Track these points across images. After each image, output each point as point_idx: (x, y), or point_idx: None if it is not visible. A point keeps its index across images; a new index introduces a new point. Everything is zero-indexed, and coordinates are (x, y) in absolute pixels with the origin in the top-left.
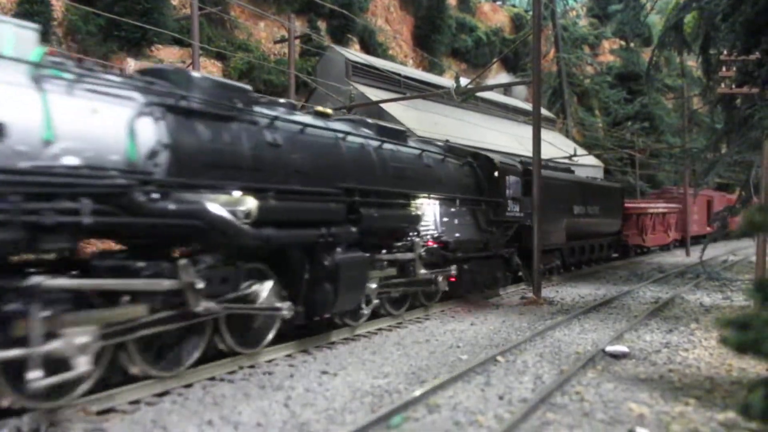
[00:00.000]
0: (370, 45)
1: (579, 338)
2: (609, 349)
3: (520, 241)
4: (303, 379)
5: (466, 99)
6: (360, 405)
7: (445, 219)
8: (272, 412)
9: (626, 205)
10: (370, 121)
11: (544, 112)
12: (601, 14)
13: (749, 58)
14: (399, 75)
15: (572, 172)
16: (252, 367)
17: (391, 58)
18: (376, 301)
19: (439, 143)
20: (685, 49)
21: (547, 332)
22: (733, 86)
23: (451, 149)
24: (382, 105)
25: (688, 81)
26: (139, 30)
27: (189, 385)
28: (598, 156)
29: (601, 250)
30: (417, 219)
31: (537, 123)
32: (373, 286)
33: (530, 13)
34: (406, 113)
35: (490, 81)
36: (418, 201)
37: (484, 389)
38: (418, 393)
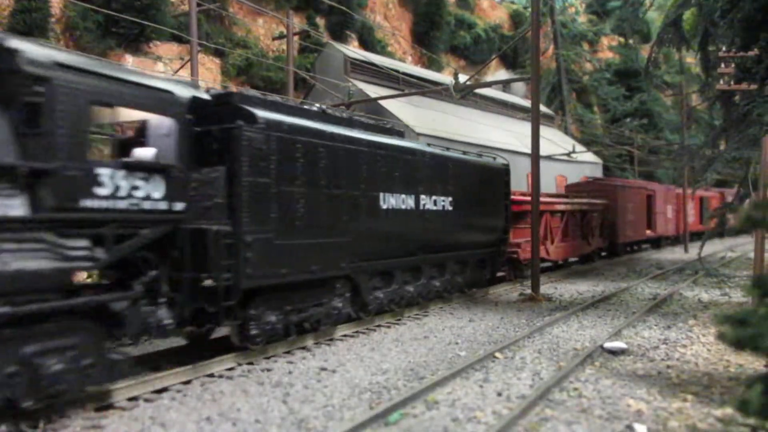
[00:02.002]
0: (368, 41)
1: (577, 335)
2: (607, 345)
3: (180, 267)
4: (302, 375)
5: (464, 96)
6: (358, 401)
7: None
8: (271, 408)
9: (516, 197)
10: None
11: (542, 108)
12: (599, 11)
13: (748, 55)
14: (398, 72)
15: (402, 135)
16: (250, 363)
17: (390, 55)
18: None
19: None
20: (683, 46)
21: (546, 329)
22: (732, 83)
23: None
24: (381, 101)
25: (686, 78)
26: (138, 26)
27: (187, 382)
28: (596, 153)
29: (461, 273)
30: None
31: (536, 120)
32: None
33: (529, 9)
34: (404, 110)
35: (489, 78)
36: None
37: (483, 386)
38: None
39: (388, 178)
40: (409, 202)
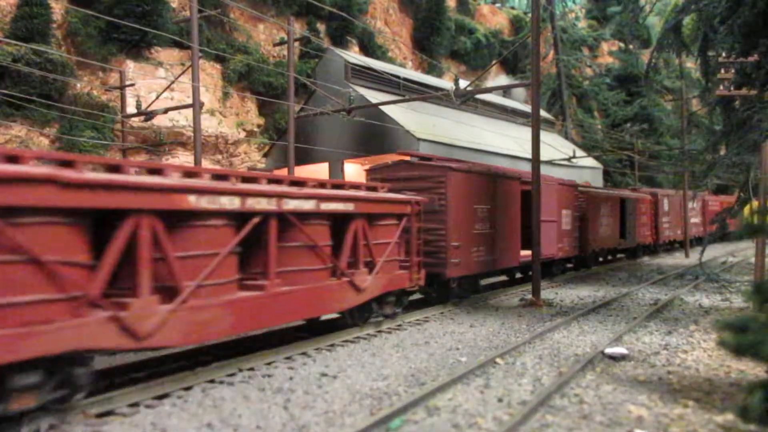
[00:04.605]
0: (369, 47)
1: (578, 340)
2: (608, 350)
3: None
4: (302, 381)
5: (465, 101)
6: (359, 407)
7: None
8: (272, 414)
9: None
10: None
11: (543, 113)
12: (600, 16)
13: (747, 60)
14: (398, 77)
15: None
16: (251, 369)
17: (391, 60)
18: None
19: None
20: (683, 51)
21: (546, 334)
22: (732, 88)
23: None
24: (382, 107)
25: (686, 83)
26: (139, 32)
27: (188, 388)
28: (597, 158)
29: None
30: None
31: (536, 125)
32: None
33: (529, 15)
34: (405, 115)
35: (490, 83)
36: None
37: (484, 391)
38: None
39: None
40: None
